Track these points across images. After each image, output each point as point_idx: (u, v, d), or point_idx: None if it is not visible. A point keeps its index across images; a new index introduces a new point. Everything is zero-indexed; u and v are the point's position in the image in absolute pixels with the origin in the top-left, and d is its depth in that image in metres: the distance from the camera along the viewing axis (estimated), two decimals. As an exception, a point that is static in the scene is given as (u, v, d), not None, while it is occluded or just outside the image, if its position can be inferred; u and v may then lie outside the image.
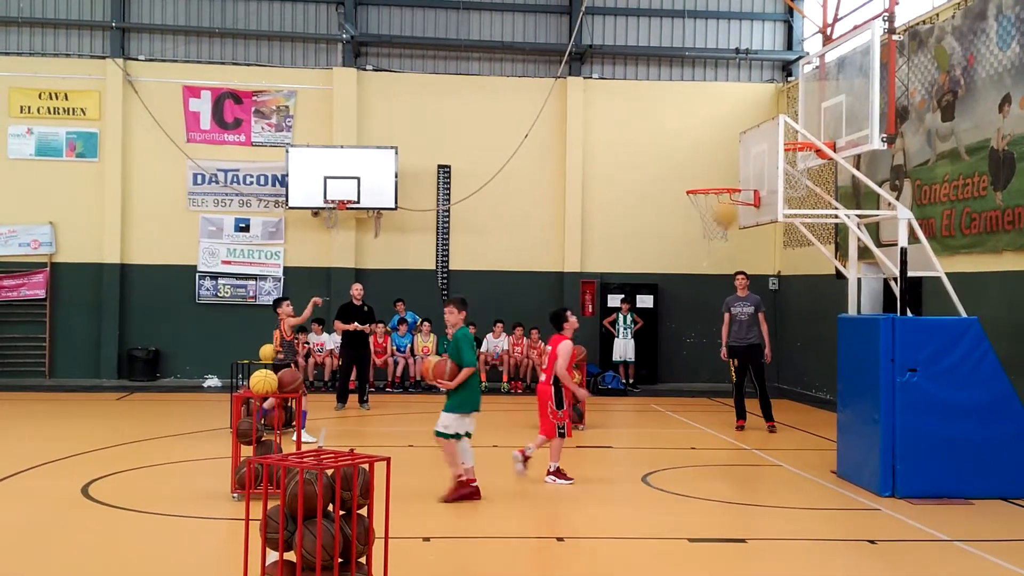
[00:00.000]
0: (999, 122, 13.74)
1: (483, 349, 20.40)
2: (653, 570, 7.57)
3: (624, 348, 20.65)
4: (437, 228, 21.58)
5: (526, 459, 10.63)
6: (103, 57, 20.95)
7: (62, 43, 21.14)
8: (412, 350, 20.10)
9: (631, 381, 20.65)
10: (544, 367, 11.08)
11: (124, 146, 20.88)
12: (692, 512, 9.51)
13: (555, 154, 21.64)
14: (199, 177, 21.06)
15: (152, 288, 20.91)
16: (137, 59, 21.14)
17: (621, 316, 20.55)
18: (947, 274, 11.02)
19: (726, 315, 14.95)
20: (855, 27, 11.74)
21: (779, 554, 8.16)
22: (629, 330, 20.61)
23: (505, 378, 20.14)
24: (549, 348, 11.04)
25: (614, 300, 21.41)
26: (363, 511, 6.33)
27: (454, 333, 9.69)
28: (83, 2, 21.20)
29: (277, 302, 13.98)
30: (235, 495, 9.35)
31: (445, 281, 21.56)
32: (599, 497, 10.20)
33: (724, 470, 11.76)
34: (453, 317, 10.26)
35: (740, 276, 15.11)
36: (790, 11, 21.88)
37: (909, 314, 10.80)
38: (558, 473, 10.59)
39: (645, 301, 21.28)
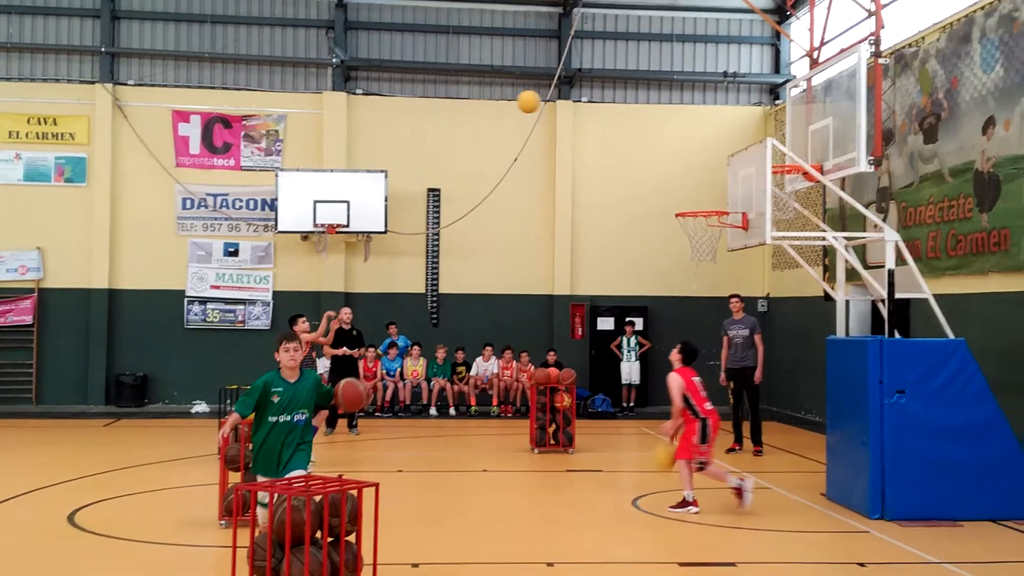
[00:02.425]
0: (983, 144, 13.83)
1: (473, 373, 20.39)
2: (643, 595, 7.54)
3: (630, 371, 20.61)
4: (427, 251, 21.58)
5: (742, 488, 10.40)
6: (92, 82, 20.97)
7: (51, 68, 21.15)
8: (402, 374, 20.06)
9: (631, 404, 20.61)
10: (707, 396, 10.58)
11: (113, 171, 20.87)
12: (682, 536, 9.49)
13: (545, 177, 21.69)
14: (188, 202, 21.05)
15: (140, 313, 20.85)
16: (126, 84, 21.16)
17: (626, 339, 20.54)
18: (934, 296, 11.06)
19: (725, 339, 14.97)
20: (841, 50, 11.82)
21: (769, 578, 8.15)
22: (634, 352, 20.59)
23: (495, 401, 20.10)
24: (700, 379, 10.63)
25: (604, 323, 21.41)
26: (351, 538, 6.31)
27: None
28: (72, 27, 21.24)
29: (292, 320, 14.02)
30: (223, 522, 9.30)
31: (435, 305, 21.55)
32: (589, 521, 10.17)
33: (714, 493, 11.73)
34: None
35: (734, 299, 15.15)
36: (777, 35, 22.01)
37: (897, 336, 10.83)
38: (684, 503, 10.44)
39: (636, 324, 21.27)
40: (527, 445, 14.98)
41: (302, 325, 13.73)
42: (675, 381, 10.45)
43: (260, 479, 7.18)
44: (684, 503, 10.37)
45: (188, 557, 8.59)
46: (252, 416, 9.32)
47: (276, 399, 7.15)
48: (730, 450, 14.82)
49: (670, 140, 21.91)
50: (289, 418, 7.20)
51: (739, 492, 10.37)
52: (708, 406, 10.43)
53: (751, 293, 21.72)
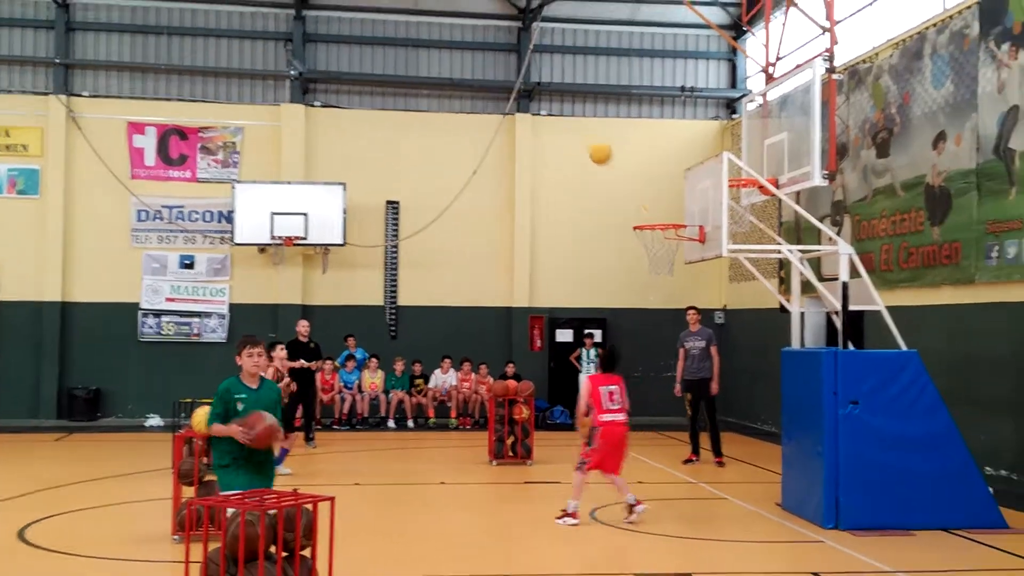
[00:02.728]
0: (934, 159, 14.04)
1: (431, 385, 20.34)
2: (599, 607, 7.55)
3: None
4: (385, 264, 21.53)
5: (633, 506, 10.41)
6: (46, 93, 20.73)
7: (4, 79, 20.88)
8: (360, 386, 19.97)
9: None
10: (615, 407, 10.46)
11: (67, 183, 20.64)
12: (639, 547, 9.52)
13: (504, 190, 21.73)
14: (143, 214, 20.85)
15: (94, 326, 20.60)
16: (81, 95, 20.95)
17: (585, 351, 20.58)
18: (887, 308, 11.19)
19: (680, 350, 15.04)
20: (796, 66, 11.96)
21: (725, 588, 8.19)
22: (593, 364, 20.62)
23: (453, 414, 20.06)
24: (615, 388, 10.50)
25: (563, 335, 21.45)
26: (306, 552, 6.26)
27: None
28: (26, 38, 21.00)
29: (271, 346, 13.97)
30: (176, 537, 9.20)
31: (393, 317, 21.49)
32: (547, 533, 10.16)
33: (671, 504, 11.79)
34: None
35: (691, 311, 15.23)
36: (733, 50, 22.23)
37: (851, 347, 10.95)
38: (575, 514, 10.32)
39: (594, 336, 21.30)
40: (485, 457, 14.96)
41: (280, 353, 13.66)
42: (584, 386, 10.52)
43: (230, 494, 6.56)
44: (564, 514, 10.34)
45: (141, 572, 8.48)
46: (208, 429, 9.24)
47: (240, 406, 6.90)
48: (687, 461, 14.89)
49: (628, 153, 22.04)
50: None
51: (631, 509, 10.38)
52: (607, 417, 10.31)
53: (708, 305, 21.87)
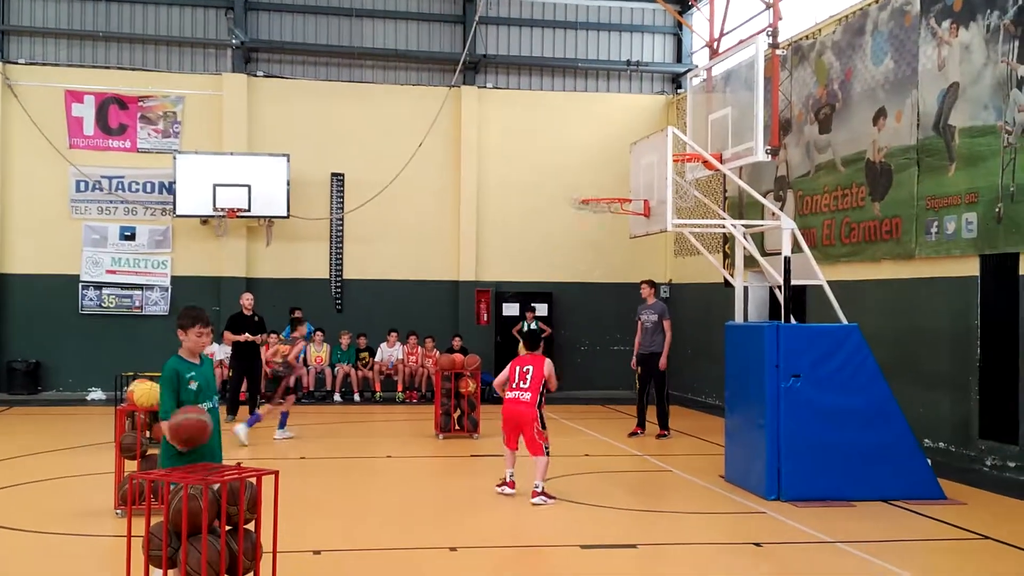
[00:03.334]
0: (874, 135, 14.22)
1: (377, 359, 20.29)
2: (545, 578, 7.61)
3: None
4: (330, 237, 21.37)
5: (512, 483, 10.52)
6: (-20, 60, 20.26)
7: (-64, 44, 20.36)
8: (305, 360, 19.85)
9: None
10: (523, 386, 10.38)
11: (3, 152, 20.21)
12: (584, 519, 9.59)
13: (450, 163, 21.64)
14: (82, 184, 20.48)
15: (33, 298, 20.25)
16: (17, 63, 20.47)
17: (526, 324, 20.61)
18: (828, 282, 11.34)
19: (638, 323, 15.12)
20: (741, 41, 12.02)
21: (669, 558, 8.29)
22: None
23: (400, 387, 20.04)
24: (529, 368, 10.47)
25: (509, 309, 21.48)
26: (250, 526, 6.23)
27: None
28: (-41, 2, 20.47)
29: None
30: (118, 511, 9.10)
31: (339, 290, 21.37)
32: (492, 506, 10.20)
33: (616, 476, 11.89)
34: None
35: (644, 284, 15.29)
36: (679, 25, 22.28)
37: (793, 321, 11.08)
38: (546, 493, 10.23)
39: (540, 310, 21.37)
40: (432, 431, 14.98)
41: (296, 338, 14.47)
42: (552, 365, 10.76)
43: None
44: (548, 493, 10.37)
45: (83, 546, 8.38)
46: (148, 402, 9.14)
47: (193, 384, 6.41)
48: (632, 434, 15.01)
49: (574, 127, 22.05)
50: (211, 404, 6.51)
51: (511, 484, 10.52)
52: (510, 395, 10.44)
53: (654, 279, 21.99)
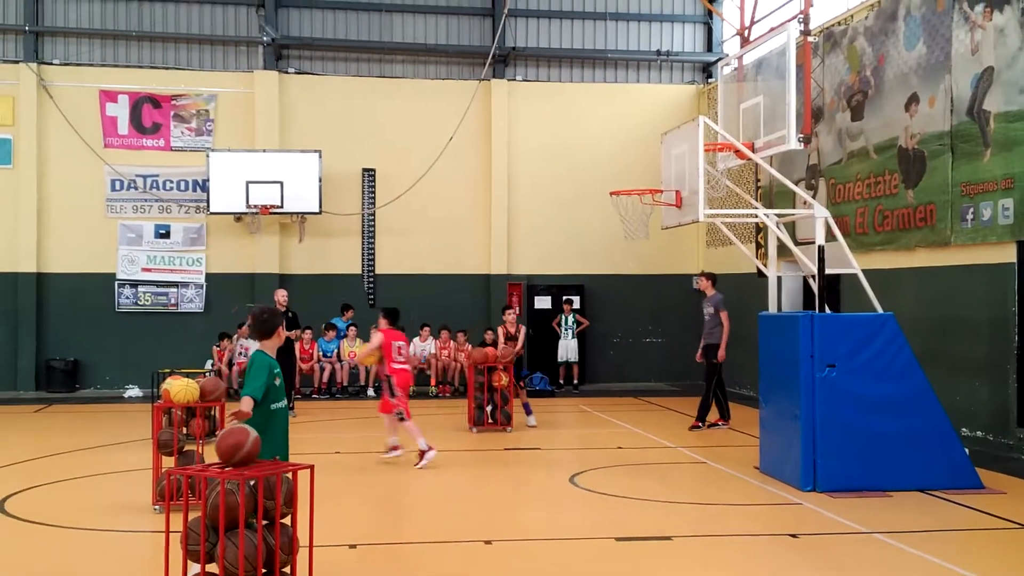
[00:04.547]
0: (907, 121, 14.08)
1: (411, 352, 20.34)
2: (581, 570, 7.60)
3: (566, 349, 20.80)
4: (362, 232, 21.46)
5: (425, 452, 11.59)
6: (16, 62, 20.46)
7: (-28, 47, 20.61)
8: (339, 355, 19.96)
9: (575, 381, 20.79)
10: (400, 359, 12.01)
11: (39, 152, 20.43)
12: (619, 511, 9.58)
13: (480, 156, 21.65)
14: (117, 183, 20.68)
15: (70, 297, 20.48)
16: (52, 63, 20.69)
17: (564, 317, 20.66)
18: (863, 271, 11.25)
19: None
20: (772, 29, 11.93)
21: (704, 550, 8.26)
22: (571, 331, 20.73)
23: (433, 381, 20.09)
24: (401, 343, 12.10)
25: (541, 302, 21.48)
26: (287, 520, 6.27)
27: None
28: (-6, 5, 20.70)
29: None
30: (156, 507, 9.19)
31: (371, 285, 21.45)
32: (527, 499, 10.22)
33: (650, 468, 11.87)
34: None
35: (701, 278, 15.19)
36: (709, 14, 22.16)
37: (827, 311, 11.00)
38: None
39: (573, 303, 21.34)
40: (465, 425, 15.01)
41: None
42: (375, 337, 12.08)
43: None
44: (417, 452, 11.61)
45: (122, 542, 8.48)
46: (192, 397, 9.22)
47: (278, 382, 6.58)
48: (711, 424, 14.83)
49: (604, 118, 21.99)
50: (285, 404, 6.74)
51: (421, 454, 11.53)
52: (396, 366, 11.88)
53: (685, 271, 21.96)
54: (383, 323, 12.17)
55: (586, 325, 20.84)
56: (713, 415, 15.09)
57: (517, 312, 15.52)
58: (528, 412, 15.26)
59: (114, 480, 11.18)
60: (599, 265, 21.83)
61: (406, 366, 12.13)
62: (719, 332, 14.63)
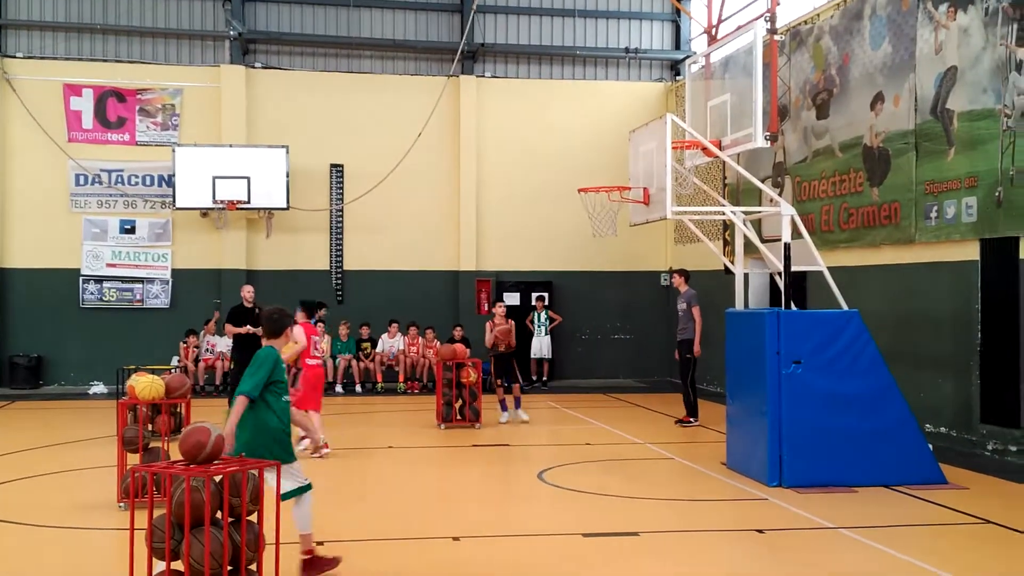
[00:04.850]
0: (872, 120, 14.20)
1: (379, 349, 20.30)
2: (548, 566, 7.61)
3: (540, 345, 20.81)
4: (330, 228, 21.37)
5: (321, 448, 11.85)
6: (-22, 54, 20.22)
7: (-67, 39, 20.33)
8: (306, 352, 19.85)
9: (544, 378, 20.82)
10: (317, 353, 12.43)
11: (2, 147, 20.21)
12: (587, 507, 9.60)
13: (449, 153, 21.62)
14: (82, 178, 20.48)
15: (33, 293, 20.26)
16: (15, 56, 20.45)
17: (537, 314, 20.68)
18: (828, 268, 11.33)
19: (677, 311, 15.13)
20: (739, 27, 11.99)
21: (671, 546, 8.29)
22: (544, 327, 20.74)
23: (401, 378, 20.05)
24: (317, 338, 12.53)
25: (510, 298, 21.49)
26: (253, 517, 6.24)
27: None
28: (-45, -3, 20.43)
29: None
30: (121, 504, 9.12)
31: (339, 281, 21.37)
32: (495, 495, 10.22)
33: (618, 464, 11.91)
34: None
35: (674, 274, 15.26)
36: (677, 11, 22.24)
37: (793, 308, 11.08)
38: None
39: (545, 298, 21.34)
40: (434, 421, 14.99)
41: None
42: (299, 333, 11.89)
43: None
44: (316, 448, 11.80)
45: (87, 540, 8.41)
46: (158, 394, 9.15)
47: (281, 376, 6.85)
48: (696, 421, 14.91)
49: (573, 115, 22.02)
50: (287, 399, 6.95)
51: (317, 449, 11.83)
52: (312, 361, 12.26)
53: (654, 267, 22.06)
54: (300, 316, 12.26)
55: (559, 322, 20.86)
56: (681, 412, 15.17)
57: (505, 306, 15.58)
58: (517, 407, 15.35)
59: (79, 477, 11.07)
60: (568, 262, 21.86)
61: (319, 361, 12.57)
62: (692, 328, 14.71)
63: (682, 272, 15.27)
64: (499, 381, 15.16)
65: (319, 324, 19.84)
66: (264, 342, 7.03)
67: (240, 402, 6.55)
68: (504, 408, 15.23)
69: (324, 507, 9.42)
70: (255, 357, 6.80)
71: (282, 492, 6.52)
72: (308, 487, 7.05)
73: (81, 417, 16.25)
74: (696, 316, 14.71)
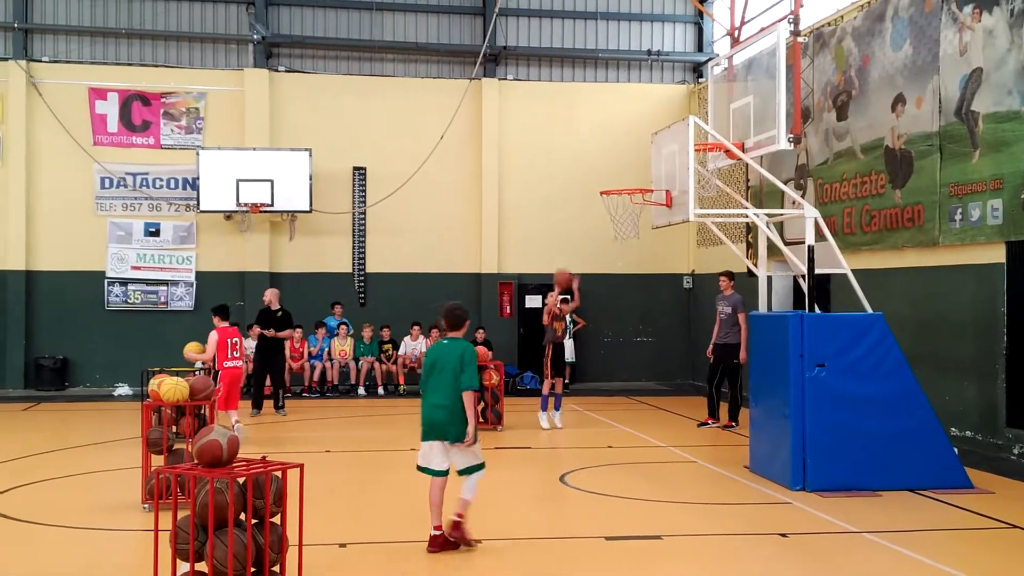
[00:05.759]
0: (893, 121, 14.12)
1: (401, 351, 20.34)
2: (571, 570, 7.61)
3: (567, 349, 20.69)
4: (353, 230, 21.43)
5: None
6: (5, 59, 20.38)
7: (-39, 44, 20.52)
8: (329, 354, 19.94)
9: (566, 381, 20.73)
10: (239, 356, 13.18)
11: (28, 150, 20.36)
12: (609, 510, 9.59)
13: (471, 155, 21.65)
14: (107, 181, 20.63)
15: (59, 295, 20.41)
16: (41, 60, 20.63)
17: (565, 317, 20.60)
18: (852, 271, 11.28)
19: (717, 314, 15.05)
20: (762, 29, 11.96)
21: (694, 549, 8.27)
22: (569, 330, 20.68)
23: (423, 380, 20.03)
24: (236, 340, 13.16)
25: (532, 301, 21.46)
26: (276, 519, 6.27)
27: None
28: (-17, 2, 20.62)
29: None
30: (145, 506, 9.18)
31: (362, 283, 21.43)
32: (517, 498, 10.23)
33: (640, 468, 11.88)
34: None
35: (722, 277, 15.16)
36: (700, 13, 22.19)
37: (817, 310, 11.03)
38: None
39: (569, 301, 21.26)
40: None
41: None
42: (213, 337, 12.88)
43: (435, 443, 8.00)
44: None
45: (111, 541, 8.46)
46: (182, 396, 9.23)
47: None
48: (702, 424, 14.93)
49: (595, 118, 22.00)
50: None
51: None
52: (229, 364, 12.94)
53: (676, 270, 22.01)
54: (216, 320, 13.17)
55: (583, 325, 20.82)
56: (705, 415, 15.15)
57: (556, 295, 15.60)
58: (557, 407, 15.21)
59: (103, 479, 11.15)
60: (589, 264, 21.77)
61: (238, 363, 13.16)
62: (736, 333, 14.60)
63: (730, 275, 15.13)
64: (550, 372, 15.06)
65: (342, 326, 20.01)
66: (449, 335, 8.08)
67: (472, 396, 7.90)
68: (544, 407, 15.02)
69: (347, 509, 9.46)
70: (473, 354, 7.96)
71: (464, 467, 7.96)
72: (483, 465, 8.17)
73: (105, 419, 16.36)
74: (742, 323, 14.55)
